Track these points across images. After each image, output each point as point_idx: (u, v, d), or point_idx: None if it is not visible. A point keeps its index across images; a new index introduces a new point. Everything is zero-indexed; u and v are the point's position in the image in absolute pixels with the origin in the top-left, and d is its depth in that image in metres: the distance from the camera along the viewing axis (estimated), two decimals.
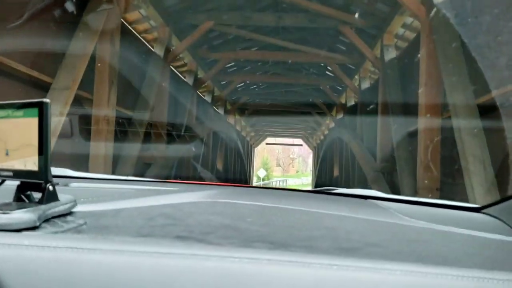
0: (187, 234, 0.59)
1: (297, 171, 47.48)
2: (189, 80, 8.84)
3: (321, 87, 11.85)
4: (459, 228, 0.79)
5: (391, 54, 6.44)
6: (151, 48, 7.00)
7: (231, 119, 14.89)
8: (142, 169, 6.36)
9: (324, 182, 15.15)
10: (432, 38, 4.49)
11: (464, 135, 3.79)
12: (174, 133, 8.11)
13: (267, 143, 26.49)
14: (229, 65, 10.94)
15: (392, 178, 6.27)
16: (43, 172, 0.59)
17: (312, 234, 0.67)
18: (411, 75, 6.01)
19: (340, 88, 11.53)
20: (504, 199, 0.91)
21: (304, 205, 0.95)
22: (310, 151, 25.25)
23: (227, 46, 8.95)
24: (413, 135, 5.56)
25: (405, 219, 0.86)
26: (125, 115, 5.81)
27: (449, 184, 4.51)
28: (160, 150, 6.75)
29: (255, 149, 24.32)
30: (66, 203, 0.64)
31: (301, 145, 26.58)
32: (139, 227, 0.63)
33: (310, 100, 14.12)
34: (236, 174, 16.02)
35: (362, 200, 1.10)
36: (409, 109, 5.82)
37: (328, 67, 10.50)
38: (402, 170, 5.33)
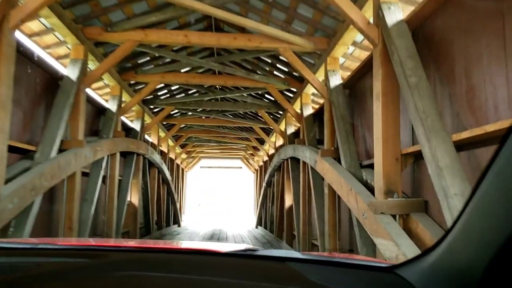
0: None
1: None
2: (72, 73, 5.71)
3: (268, 93, 9.14)
4: None
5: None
6: None
7: (152, 137, 11.74)
8: None
9: (272, 214, 12.37)
10: None
11: None
12: (39, 154, 4.91)
13: (201, 167, 23.37)
14: (144, 60, 7.93)
15: (409, 224, 3.57)
16: None
17: None
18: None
19: (291, 95, 8.91)
20: (413, 259, 0.87)
21: (220, 275, 0.94)
22: (252, 173, 22.48)
23: (135, 22, 5.95)
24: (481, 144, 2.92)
25: (320, 285, 0.91)
26: None
27: None
28: None
29: (187, 173, 21.09)
30: None
31: (241, 167, 23.79)
32: None
33: (253, 111, 11.41)
34: (161, 207, 12.77)
35: (280, 264, 1.07)
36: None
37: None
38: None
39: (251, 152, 18.12)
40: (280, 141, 11.75)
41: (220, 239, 11.86)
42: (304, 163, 7.55)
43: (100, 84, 8.16)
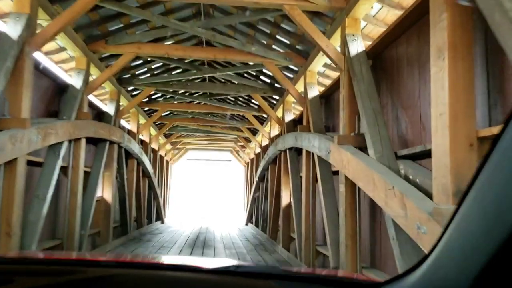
0: None
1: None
2: (13, 30, 4.33)
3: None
4: None
5: None
6: None
7: (131, 124, 10.36)
8: None
9: (265, 211, 11.10)
10: None
11: None
12: None
13: (188, 159, 21.95)
14: (117, 27, 6.56)
15: None
16: None
17: None
18: None
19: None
20: (397, 277, 0.84)
21: None
22: (242, 166, 21.19)
23: None
24: None
25: None
26: None
27: None
28: None
29: (172, 166, 19.69)
30: None
31: (230, 160, 22.46)
32: None
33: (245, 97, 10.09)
34: (142, 203, 11.41)
35: (263, 282, 1.05)
36: None
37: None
38: None
39: (242, 144, 16.80)
40: (275, 131, 10.48)
41: (207, 240, 10.56)
42: (309, 154, 6.29)
43: (63, 56, 6.77)
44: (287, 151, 7.88)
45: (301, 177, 7.32)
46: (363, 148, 4.14)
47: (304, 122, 6.52)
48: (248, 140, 15.77)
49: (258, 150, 13.97)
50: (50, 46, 6.23)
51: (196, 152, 20.89)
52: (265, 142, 12.24)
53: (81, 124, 6.00)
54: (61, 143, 5.45)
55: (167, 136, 15.30)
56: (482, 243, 0.58)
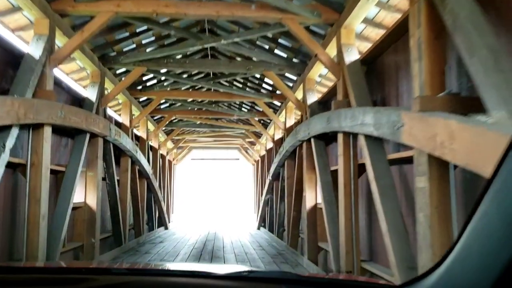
0: None
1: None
2: None
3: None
4: None
5: None
6: None
7: (123, 116, 8.80)
8: None
9: (281, 215, 9.46)
10: None
11: None
12: None
13: (192, 159, 20.35)
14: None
15: None
16: None
17: None
18: None
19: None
20: (414, 279, 0.81)
21: None
22: (251, 165, 19.58)
23: None
24: None
25: None
26: None
27: None
28: None
29: (176, 166, 18.11)
30: None
31: (238, 159, 20.86)
32: None
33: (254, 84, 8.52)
34: (139, 208, 9.85)
35: (276, 287, 1.03)
36: None
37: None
38: None
39: (251, 139, 15.18)
40: (291, 120, 8.89)
41: (215, 249, 8.97)
42: (347, 139, 4.68)
43: (22, 20, 5.20)
44: (312, 140, 6.27)
45: (333, 171, 5.73)
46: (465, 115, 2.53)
47: (340, 97, 4.90)
48: (258, 135, 14.18)
49: (270, 145, 12.37)
50: None
51: (200, 151, 19.33)
52: (278, 135, 10.65)
53: (39, 104, 4.41)
54: (6, 129, 3.88)
55: (168, 133, 13.75)
56: (502, 244, 0.55)
